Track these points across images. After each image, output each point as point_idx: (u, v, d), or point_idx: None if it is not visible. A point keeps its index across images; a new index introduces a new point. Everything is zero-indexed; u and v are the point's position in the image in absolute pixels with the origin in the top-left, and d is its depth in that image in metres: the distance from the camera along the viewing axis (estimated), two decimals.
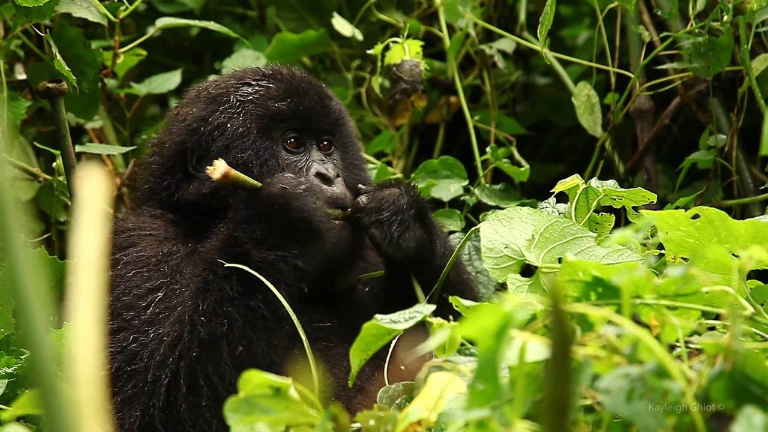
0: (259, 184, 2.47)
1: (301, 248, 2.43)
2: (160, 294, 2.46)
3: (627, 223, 2.61)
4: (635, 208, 2.52)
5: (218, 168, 2.43)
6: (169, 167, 2.68)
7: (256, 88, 2.68)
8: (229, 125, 2.63)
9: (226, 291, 2.37)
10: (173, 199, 2.65)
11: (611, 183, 2.50)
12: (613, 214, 2.52)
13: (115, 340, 2.41)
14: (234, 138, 2.63)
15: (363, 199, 2.58)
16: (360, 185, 2.64)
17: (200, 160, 2.64)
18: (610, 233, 2.50)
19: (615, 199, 2.49)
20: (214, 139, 2.63)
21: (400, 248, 2.56)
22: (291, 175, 2.49)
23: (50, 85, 2.93)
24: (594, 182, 2.49)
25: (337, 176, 2.66)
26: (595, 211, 2.50)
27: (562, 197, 2.57)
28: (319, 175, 2.63)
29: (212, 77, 2.83)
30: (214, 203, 2.59)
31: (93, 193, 1.19)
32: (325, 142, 2.72)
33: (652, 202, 2.47)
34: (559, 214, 2.47)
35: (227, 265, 2.38)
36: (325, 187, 2.59)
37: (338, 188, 2.63)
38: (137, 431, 2.35)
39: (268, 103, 2.66)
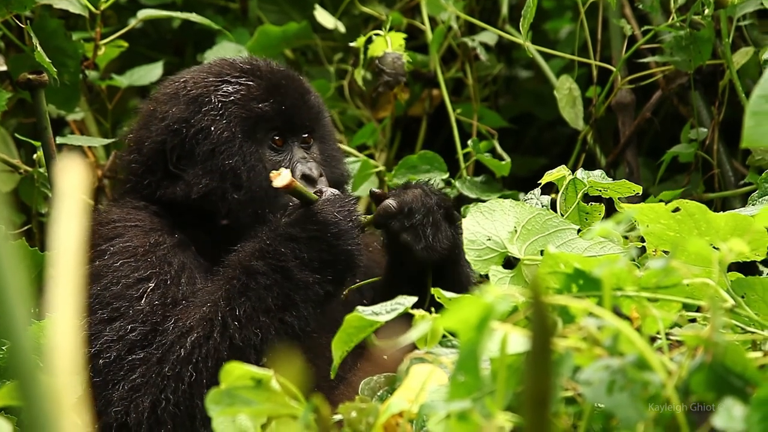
0: (316, 198, 2.48)
1: (336, 276, 2.46)
2: (151, 284, 2.46)
3: (614, 213, 2.61)
4: (619, 200, 2.52)
5: (283, 177, 2.43)
6: (149, 165, 2.67)
7: (237, 87, 2.67)
8: (213, 128, 2.62)
9: (267, 301, 2.40)
10: (155, 196, 2.64)
11: (598, 174, 2.50)
12: (602, 204, 2.53)
13: (110, 329, 2.41)
14: (219, 143, 2.62)
15: (392, 203, 2.54)
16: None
17: (181, 159, 2.64)
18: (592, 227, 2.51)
19: (600, 191, 2.50)
20: (198, 143, 2.62)
21: (434, 251, 2.55)
22: (339, 196, 2.49)
23: (31, 76, 2.92)
24: (580, 173, 2.50)
25: (320, 175, 2.68)
26: (584, 201, 2.50)
27: (546, 189, 2.58)
28: (304, 177, 2.65)
29: (186, 71, 2.78)
30: (204, 207, 2.60)
31: (73, 184, 1.18)
32: (305, 136, 2.73)
33: (637, 194, 2.47)
34: (544, 206, 2.47)
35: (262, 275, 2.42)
36: (311, 189, 2.59)
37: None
38: (145, 421, 2.35)
39: (250, 104, 2.65)
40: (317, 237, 2.44)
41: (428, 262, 2.55)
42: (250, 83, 2.68)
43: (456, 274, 2.62)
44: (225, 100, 2.65)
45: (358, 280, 2.69)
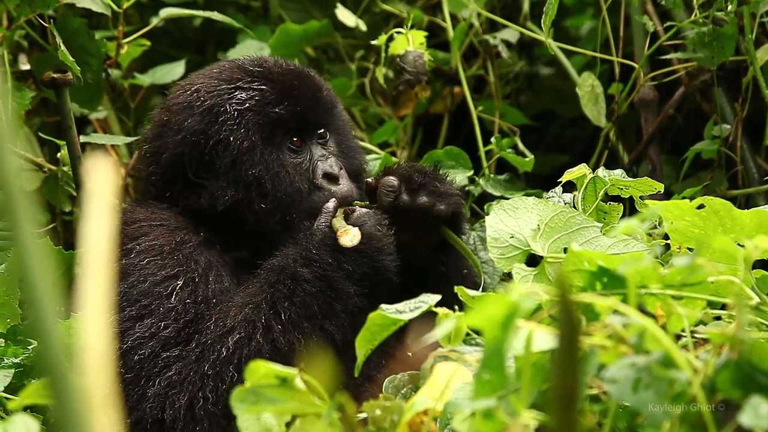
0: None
1: (373, 289, 2.50)
2: (180, 282, 2.48)
3: (634, 213, 2.61)
4: (642, 198, 2.52)
5: (353, 237, 2.49)
6: (169, 178, 2.67)
7: (250, 92, 2.66)
8: (231, 139, 2.62)
9: (311, 308, 2.45)
10: (178, 206, 2.65)
11: (618, 172, 2.50)
12: (621, 204, 2.52)
13: (140, 326, 2.43)
14: (240, 153, 2.62)
15: (391, 178, 2.56)
16: (367, 179, 2.65)
17: (201, 170, 2.64)
18: (617, 223, 2.50)
19: (622, 189, 2.49)
20: (219, 154, 2.62)
21: (452, 197, 2.58)
22: (374, 213, 2.53)
23: (55, 75, 2.93)
24: (601, 172, 2.49)
25: (341, 169, 2.69)
26: (602, 200, 2.50)
27: (567, 187, 2.57)
28: (326, 175, 2.67)
29: (195, 75, 2.77)
30: (229, 217, 2.62)
31: (102, 183, 1.19)
32: (321, 132, 2.74)
33: (659, 191, 2.47)
34: (565, 204, 2.47)
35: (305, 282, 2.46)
36: (334, 188, 2.66)
37: (345, 185, 2.68)
38: (182, 418, 2.36)
39: (266, 109, 2.65)
40: (362, 251, 2.48)
41: (448, 215, 2.58)
42: (264, 87, 2.67)
43: (462, 227, 2.67)
44: (240, 108, 2.64)
45: None
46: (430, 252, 2.63)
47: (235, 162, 2.62)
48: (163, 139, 2.69)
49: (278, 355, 2.39)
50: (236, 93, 2.66)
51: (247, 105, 2.64)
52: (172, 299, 2.46)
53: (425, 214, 2.56)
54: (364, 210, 2.54)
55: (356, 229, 2.49)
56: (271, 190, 2.61)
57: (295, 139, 2.68)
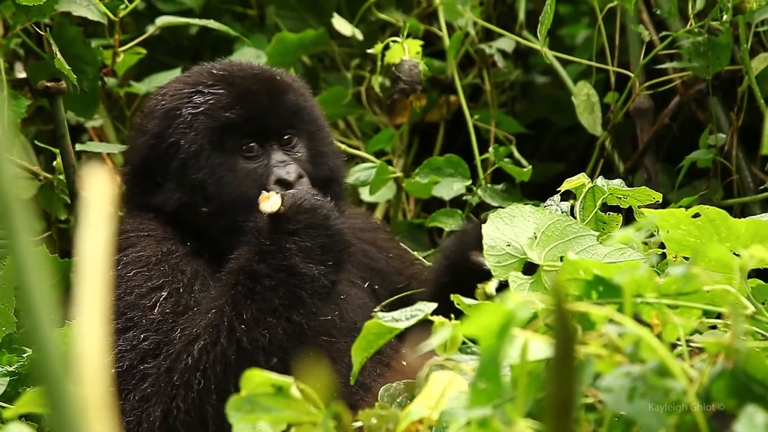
0: None
1: (336, 260, 2.45)
2: (164, 293, 2.46)
3: (632, 222, 2.61)
4: (640, 207, 2.52)
5: (272, 203, 2.45)
6: (139, 177, 2.69)
7: (207, 97, 2.64)
8: (182, 142, 2.62)
9: (273, 302, 2.39)
10: (147, 205, 2.66)
11: (617, 182, 2.50)
12: (620, 214, 2.52)
13: (123, 338, 2.41)
14: (188, 156, 2.62)
15: None
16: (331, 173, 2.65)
17: (161, 173, 2.65)
18: (613, 233, 2.50)
19: (620, 198, 2.49)
20: (171, 157, 2.63)
21: None
22: (310, 190, 2.50)
23: (49, 84, 2.93)
24: (600, 181, 2.49)
25: (300, 176, 2.63)
26: (602, 210, 2.50)
27: (565, 196, 2.57)
28: (279, 181, 2.61)
29: (174, 79, 2.80)
30: (179, 217, 2.61)
31: (98, 191, 1.19)
32: (287, 137, 2.69)
33: (657, 201, 2.47)
34: (563, 212, 2.47)
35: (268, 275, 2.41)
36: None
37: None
38: (158, 429, 2.35)
39: (218, 113, 2.63)
40: (312, 223, 2.43)
41: None
42: (221, 91, 2.65)
43: None
44: (195, 111, 2.63)
45: (374, 282, 2.70)
46: None
47: (184, 165, 2.62)
48: (135, 141, 2.73)
49: (244, 355, 2.35)
50: (194, 97, 2.65)
51: (201, 109, 2.63)
52: (155, 311, 2.44)
53: None
54: (293, 191, 2.52)
55: (275, 194, 2.44)
56: (215, 194, 2.59)
57: (251, 144, 2.64)
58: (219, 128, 2.62)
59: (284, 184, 2.61)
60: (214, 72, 2.70)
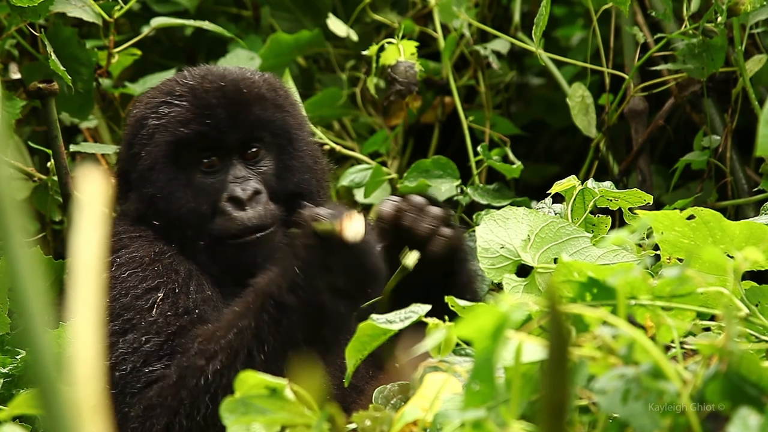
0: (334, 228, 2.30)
1: (362, 297, 2.34)
2: (160, 294, 2.45)
3: (622, 225, 2.61)
4: (631, 209, 2.52)
5: (357, 231, 2.28)
6: (118, 182, 2.69)
7: (170, 109, 2.61)
8: (142, 154, 2.61)
9: (296, 338, 2.30)
10: (124, 208, 2.66)
11: (608, 184, 2.50)
12: (609, 216, 2.53)
13: (123, 341, 2.39)
14: (144, 169, 2.61)
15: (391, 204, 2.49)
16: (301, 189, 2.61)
17: (128, 177, 2.66)
18: (606, 235, 2.51)
19: (611, 200, 2.50)
20: (133, 168, 2.63)
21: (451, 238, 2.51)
22: (360, 221, 2.31)
23: (41, 85, 2.92)
24: (590, 183, 2.50)
25: (256, 193, 2.58)
26: (591, 212, 2.50)
27: (557, 198, 2.58)
28: (231, 199, 2.56)
29: (155, 86, 2.76)
30: (141, 227, 2.60)
31: (92, 192, 1.19)
32: (254, 150, 2.63)
33: (648, 203, 2.47)
34: (556, 214, 2.47)
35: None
36: (235, 214, 2.55)
37: (253, 212, 2.56)
38: None
39: (175, 128, 2.59)
40: (349, 263, 2.30)
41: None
42: (184, 104, 2.61)
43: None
44: (157, 123, 2.61)
45: None
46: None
47: (141, 177, 2.61)
48: (120, 145, 2.75)
49: None
50: (161, 108, 2.62)
51: (163, 121, 2.60)
52: (153, 312, 2.42)
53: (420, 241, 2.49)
54: (253, 206, 2.52)
55: (358, 216, 2.29)
56: (165, 209, 2.57)
57: (211, 158, 2.60)
58: (174, 143, 2.59)
59: (236, 202, 2.56)
60: (185, 82, 2.65)
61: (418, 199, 2.50)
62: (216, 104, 2.60)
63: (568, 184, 2.50)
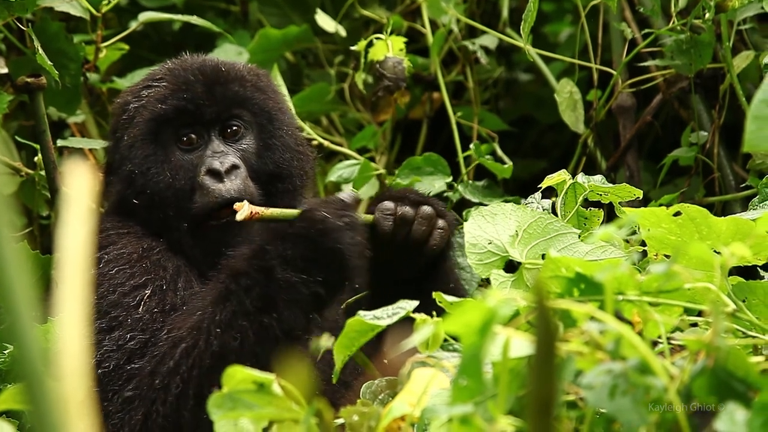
0: (296, 213, 2.38)
1: (326, 278, 2.34)
2: (147, 291, 2.44)
3: (613, 218, 2.62)
4: (620, 204, 2.53)
5: (242, 211, 2.38)
6: (107, 172, 2.71)
7: (151, 90, 2.65)
8: (124, 137, 2.64)
9: (245, 304, 2.31)
10: (110, 198, 2.67)
11: (598, 178, 2.50)
12: (601, 209, 2.53)
13: (109, 338, 2.39)
14: (124, 149, 2.63)
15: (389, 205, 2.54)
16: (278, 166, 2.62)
17: (109, 169, 2.68)
18: (597, 229, 2.51)
19: (601, 195, 2.50)
20: (115, 152, 2.66)
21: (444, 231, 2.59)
22: (334, 207, 2.38)
23: (29, 79, 2.92)
24: (580, 178, 2.50)
25: (234, 167, 2.59)
26: (583, 206, 2.50)
27: (546, 193, 2.58)
28: (209, 171, 2.57)
29: (144, 73, 2.83)
30: (120, 210, 2.62)
31: (79, 187, 1.18)
32: (234, 128, 2.65)
33: (638, 198, 2.48)
34: (545, 210, 2.47)
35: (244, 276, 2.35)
36: (214, 186, 2.55)
37: (231, 184, 2.57)
38: None
39: (154, 106, 2.62)
40: (302, 235, 2.33)
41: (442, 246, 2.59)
42: (164, 84, 2.64)
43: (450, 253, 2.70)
44: (137, 105, 2.64)
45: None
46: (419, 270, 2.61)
47: (122, 158, 2.63)
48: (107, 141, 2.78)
49: (217, 359, 2.28)
50: (142, 92, 2.66)
51: (143, 102, 2.64)
52: (140, 309, 2.42)
53: (419, 244, 2.55)
54: (231, 179, 2.54)
55: (246, 203, 2.37)
56: (144, 186, 2.59)
57: (191, 135, 2.63)
58: (153, 120, 2.61)
59: (214, 174, 2.57)
60: (167, 66, 2.71)
61: (408, 209, 2.53)
62: (194, 80, 2.64)
63: (558, 178, 2.50)
